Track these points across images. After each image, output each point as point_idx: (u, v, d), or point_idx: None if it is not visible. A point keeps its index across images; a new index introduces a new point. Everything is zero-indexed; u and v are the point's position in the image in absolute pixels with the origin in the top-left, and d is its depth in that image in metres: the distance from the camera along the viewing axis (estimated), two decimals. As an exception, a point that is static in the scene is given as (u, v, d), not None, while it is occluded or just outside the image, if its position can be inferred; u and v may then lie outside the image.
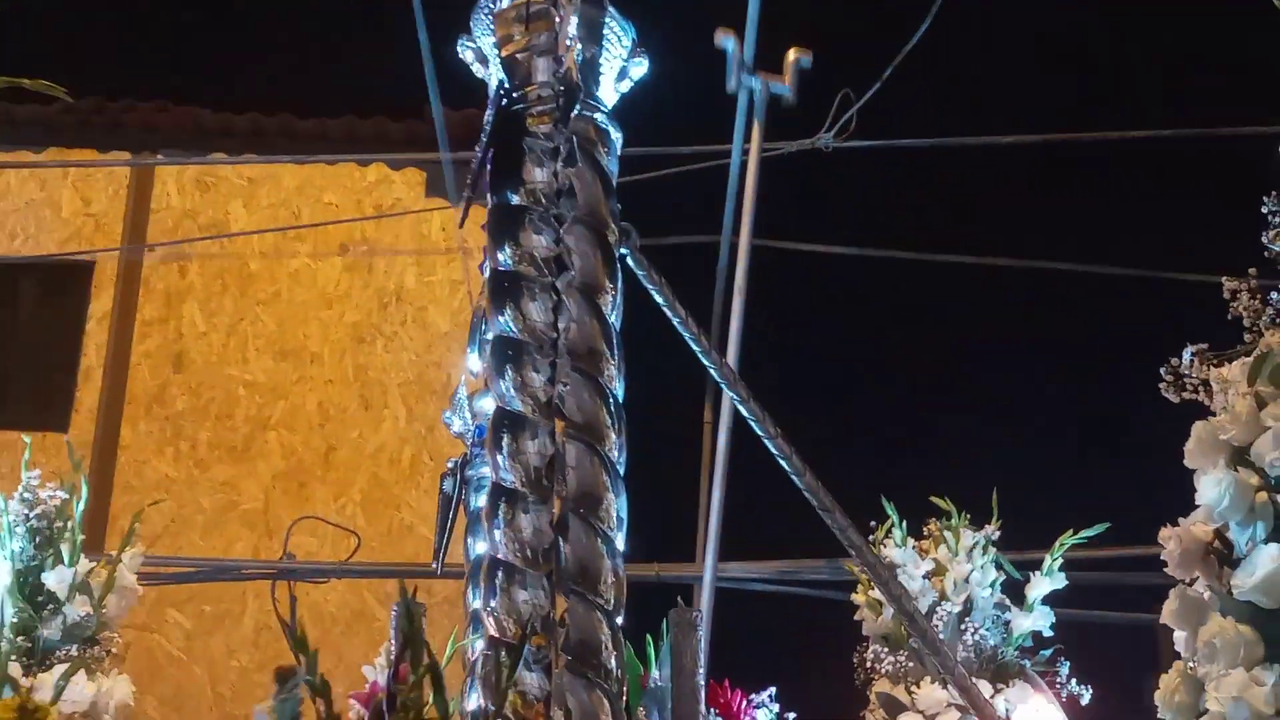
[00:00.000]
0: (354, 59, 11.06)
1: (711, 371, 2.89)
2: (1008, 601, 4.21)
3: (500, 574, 2.47)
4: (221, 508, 9.58)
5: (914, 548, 4.26)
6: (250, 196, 9.95)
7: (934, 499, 4.37)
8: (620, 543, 2.55)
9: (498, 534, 2.51)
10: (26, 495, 3.66)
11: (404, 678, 2.33)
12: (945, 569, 4.17)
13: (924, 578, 4.18)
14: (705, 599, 5.25)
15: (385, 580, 9.53)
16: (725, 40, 5.44)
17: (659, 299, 2.86)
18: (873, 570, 2.70)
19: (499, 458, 2.55)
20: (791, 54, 5.67)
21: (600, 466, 2.49)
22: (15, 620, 3.49)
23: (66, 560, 3.63)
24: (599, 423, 2.51)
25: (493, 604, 2.46)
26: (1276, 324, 2.48)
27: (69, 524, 3.69)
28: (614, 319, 2.61)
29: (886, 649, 4.18)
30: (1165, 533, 2.50)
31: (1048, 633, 4.18)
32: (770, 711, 3.26)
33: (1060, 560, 4.19)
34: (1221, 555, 2.44)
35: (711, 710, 3.06)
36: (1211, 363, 2.54)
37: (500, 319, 2.61)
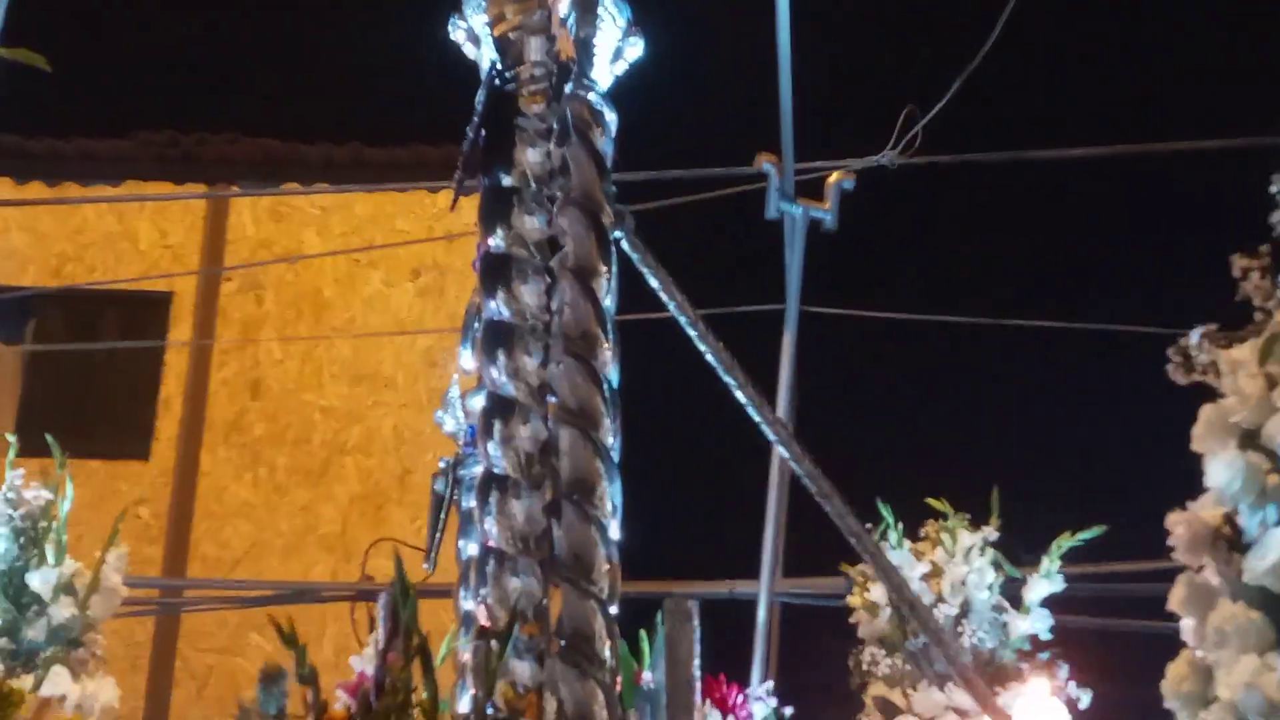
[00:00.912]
0: (421, 87, 11.18)
1: (708, 357, 2.90)
2: (1006, 604, 4.16)
3: (492, 562, 2.49)
4: (300, 531, 9.68)
5: (910, 550, 4.23)
6: (323, 225, 10.09)
7: (930, 500, 4.33)
8: (615, 530, 2.56)
9: (489, 521, 2.52)
10: (10, 495, 3.69)
11: (392, 665, 2.35)
12: (942, 571, 4.13)
13: (920, 580, 4.15)
14: (761, 614, 5.25)
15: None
16: (766, 166, 5.45)
17: (654, 283, 2.87)
18: (874, 559, 2.69)
19: (490, 444, 2.57)
20: (833, 177, 5.69)
21: (594, 452, 2.50)
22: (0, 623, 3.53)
23: (51, 561, 3.66)
24: (592, 407, 2.52)
25: (484, 592, 2.48)
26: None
27: (53, 525, 3.73)
28: (608, 302, 2.62)
29: (883, 651, 4.14)
30: (1174, 518, 2.46)
31: (1045, 635, 4.13)
32: (767, 705, 3.25)
33: (1059, 562, 4.15)
34: (1231, 540, 2.40)
35: (707, 702, 3.05)
36: (1220, 344, 2.50)
37: (492, 302, 2.63)
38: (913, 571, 4.14)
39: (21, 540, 3.63)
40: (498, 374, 2.56)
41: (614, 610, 2.51)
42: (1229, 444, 2.41)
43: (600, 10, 2.65)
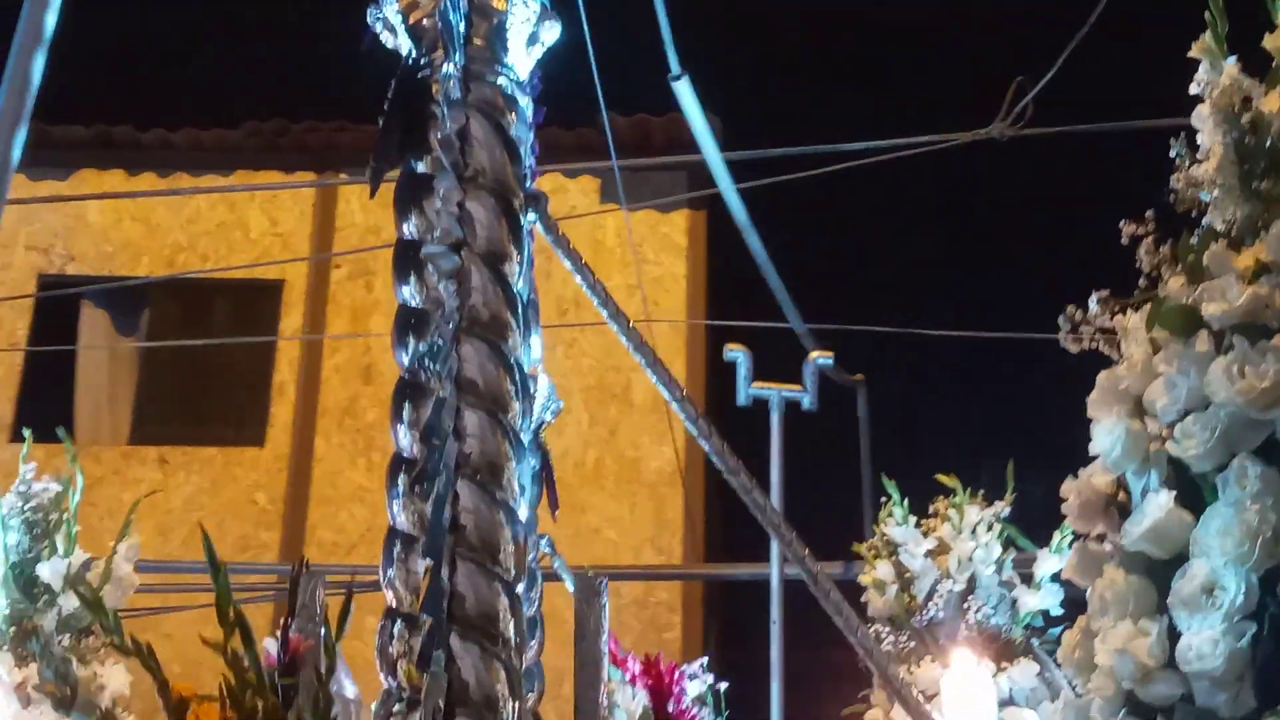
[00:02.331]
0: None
1: (628, 347, 2.84)
2: (1017, 579, 4.07)
3: (398, 544, 2.47)
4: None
5: (918, 525, 4.17)
6: (436, 210, 10.14)
7: (940, 476, 4.26)
8: (523, 512, 2.52)
9: (395, 504, 2.51)
10: (21, 488, 3.76)
11: (296, 649, 2.34)
12: (949, 547, 4.06)
13: (925, 556, 4.08)
14: (775, 598, 5.22)
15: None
16: (733, 354, 5.42)
17: (569, 264, 2.82)
18: (788, 547, 2.62)
19: (400, 428, 2.55)
20: (812, 355, 5.64)
21: (502, 435, 2.46)
22: (8, 611, 3.59)
23: (61, 552, 3.73)
24: (501, 391, 2.48)
25: (390, 574, 2.46)
26: (1176, 271, 2.35)
27: (64, 516, 3.79)
28: (520, 286, 2.58)
29: (889, 629, 4.09)
30: (1067, 485, 2.40)
31: (1056, 611, 4.01)
32: (703, 683, 3.19)
33: (1070, 537, 4.02)
34: (1123, 507, 2.32)
35: (632, 680, 3.00)
36: (1115, 311, 2.42)
37: (404, 289, 2.61)
38: (917, 548, 4.09)
39: (34, 532, 3.70)
40: (407, 359, 2.53)
41: (520, 589, 2.47)
42: (1120, 411, 2.33)
43: (511, -2, 2.60)
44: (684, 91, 8.01)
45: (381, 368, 9.89)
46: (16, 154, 2.20)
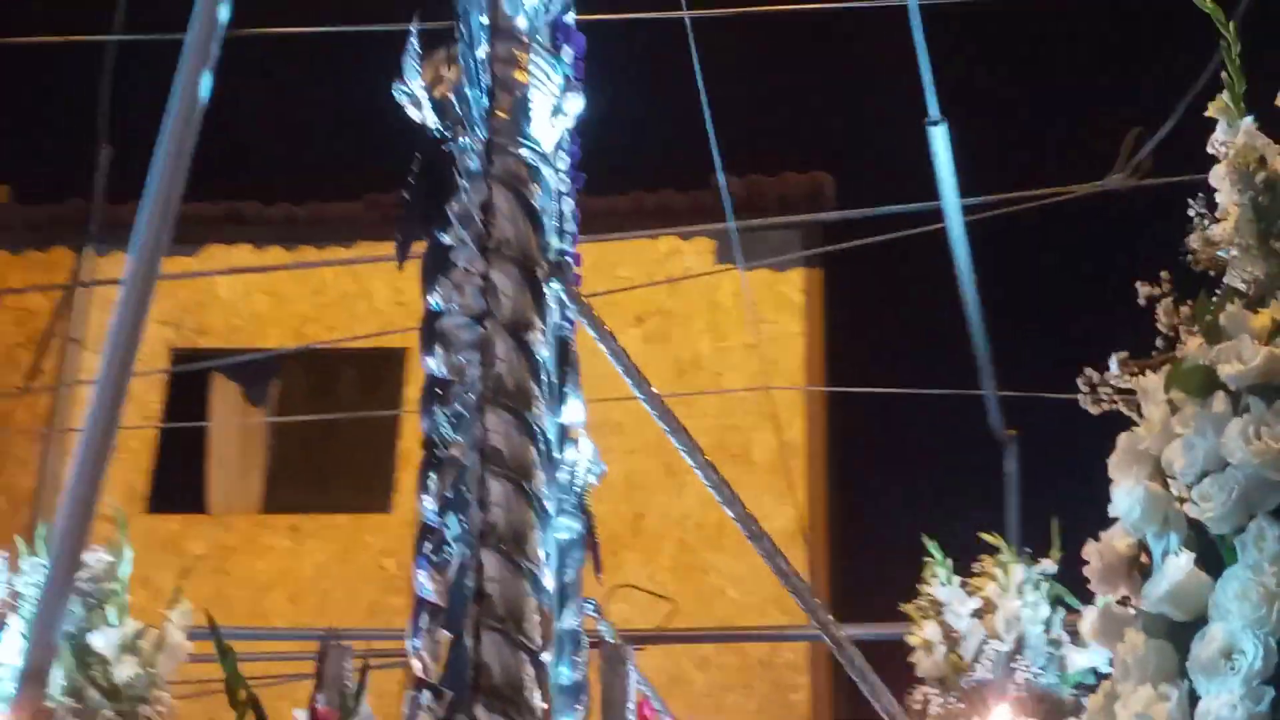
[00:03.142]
0: (634, 137, 11.31)
1: (642, 401, 2.87)
2: (1065, 638, 3.99)
3: (424, 614, 2.51)
4: (539, 580, 9.80)
5: (963, 585, 4.13)
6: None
7: (983, 534, 4.21)
8: (548, 580, 2.55)
9: (422, 574, 2.55)
10: None
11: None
12: (995, 606, 4.01)
13: (972, 615, 4.03)
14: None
15: (700, 645, 9.61)
16: None
17: (592, 331, 2.86)
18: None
19: (425, 498, 2.60)
20: None
21: (526, 503, 2.50)
22: (65, 684, 3.67)
23: (113, 621, 3.81)
24: (526, 459, 2.52)
25: (416, 643, 2.51)
26: (1193, 331, 2.33)
27: (116, 586, 3.87)
28: (543, 355, 2.62)
29: (935, 690, 4.04)
30: (1089, 547, 2.37)
31: (1106, 669, 3.92)
32: None
33: None
34: (1145, 569, 2.29)
35: None
36: (1134, 372, 2.39)
37: (429, 360, 2.66)
38: (963, 608, 4.05)
39: (87, 604, 3.78)
40: (433, 429, 2.59)
41: (547, 658, 2.50)
42: (1140, 472, 2.31)
43: (533, 69, 2.66)
44: (939, 137, 7.99)
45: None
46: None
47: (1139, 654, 2.25)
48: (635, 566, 9.92)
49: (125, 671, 3.67)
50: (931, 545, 4.25)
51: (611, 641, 2.77)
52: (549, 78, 2.67)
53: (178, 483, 9.58)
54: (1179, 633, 2.25)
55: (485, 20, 2.60)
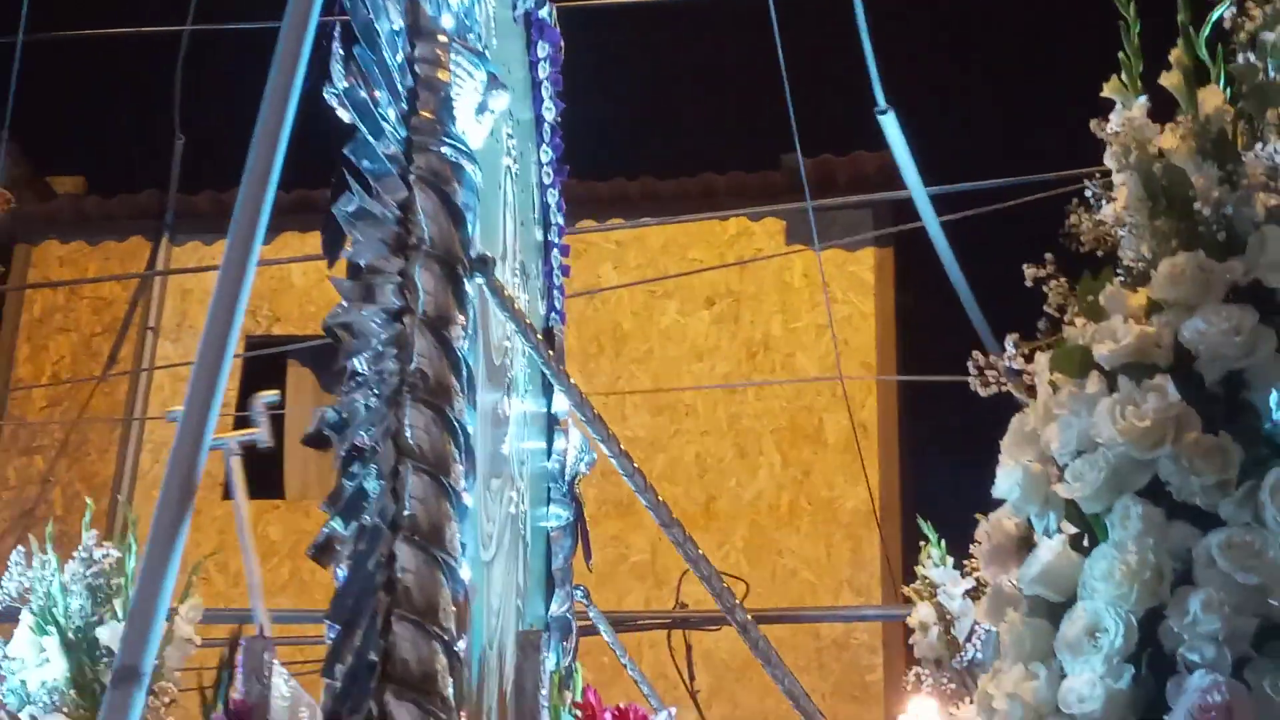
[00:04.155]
0: (706, 118, 11.36)
1: (569, 399, 2.93)
2: None
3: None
4: (612, 561, 9.91)
5: (959, 566, 4.14)
6: (619, 259, 10.35)
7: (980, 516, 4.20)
8: (465, 572, 2.61)
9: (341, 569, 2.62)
10: (83, 554, 3.96)
11: (241, 712, 2.47)
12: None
13: (964, 596, 4.05)
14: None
15: (774, 625, 9.66)
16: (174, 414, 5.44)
17: (513, 325, 2.92)
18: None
19: (347, 487, 2.67)
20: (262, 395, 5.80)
21: (444, 497, 2.56)
22: (70, 674, 3.77)
23: (120, 615, 3.91)
24: (444, 454, 2.58)
25: (332, 634, 2.57)
26: (1077, 312, 2.34)
27: (124, 581, 3.97)
28: (465, 350, 2.69)
29: (930, 671, 4.06)
30: (980, 528, 2.40)
31: None
32: None
33: None
34: (1034, 549, 2.32)
35: None
36: (1025, 354, 2.41)
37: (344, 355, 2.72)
38: (956, 588, 4.07)
39: (96, 598, 3.90)
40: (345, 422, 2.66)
41: (460, 648, 2.57)
42: (1027, 454, 2.33)
43: (454, 68, 2.72)
44: (890, 125, 8.04)
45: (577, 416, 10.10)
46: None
47: (1016, 633, 2.28)
48: (708, 549, 9.80)
49: (133, 664, 3.76)
50: (925, 526, 4.27)
51: (529, 630, 2.83)
52: (471, 75, 2.73)
53: (255, 469, 9.78)
54: (1056, 613, 2.28)
55: (400, 22, 2.67)
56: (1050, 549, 2.25)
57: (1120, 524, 2.20)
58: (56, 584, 3.81)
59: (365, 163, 2.65)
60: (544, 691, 2.68)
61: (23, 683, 3.72)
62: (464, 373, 2.63)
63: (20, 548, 4.02)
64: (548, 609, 3.85)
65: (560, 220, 4.11)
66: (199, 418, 2.20)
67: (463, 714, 2.51)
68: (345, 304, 2.49)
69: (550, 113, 3.90)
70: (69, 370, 9.50)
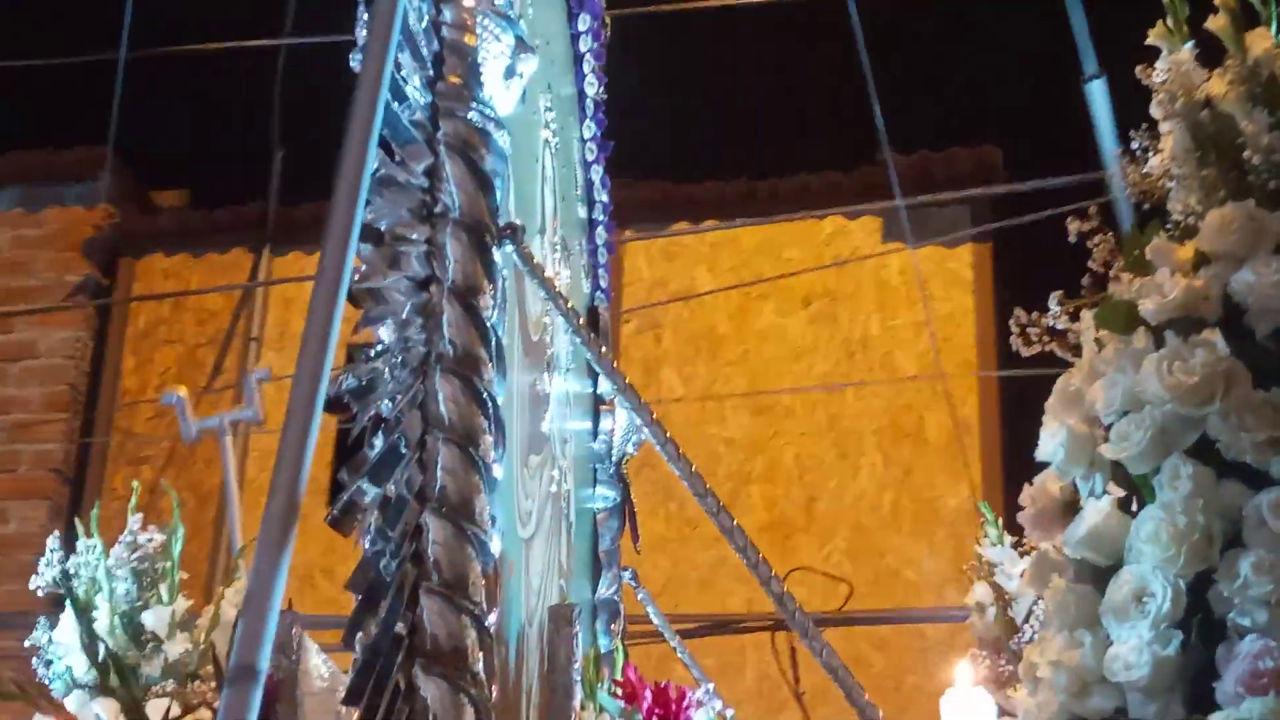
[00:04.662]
0: (800, 117, 11.25)
1: (599, 370, 2.85)
2: None
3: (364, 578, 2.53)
4: (713, 563, 9.83)
5: (1016, 546, 4.00)
6: (714, 261, 10.28)
7: None
8: (496, 545, 2.55)
9: (379, 541, 2.56)
10: (128, 539, 3.95)
11: (269, 687, 2.42)
12: None
13: (1022, 577, 3.91)
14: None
15: (878, 626, 9.52)
16: (171, 398, 5.55)
17: (545, 295, 2.84)
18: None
19: (370, 462, 2.62)
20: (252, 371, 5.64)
21: (472, 469, 2.51)
22: (116, 659, 3.75)
23: (165, 600, 3.89)
24: (473, 425, 2.53)
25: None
26: (1128, 266, 2.23)
27: (169, 565, 3.96)
28: (493, 319, 2.63)
29: (986, 653, 3.93)
30: (1024, 493, 2.29)
31: None
32: (710, 710, 3.09)
33: None
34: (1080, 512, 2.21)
35: (647, 715, 2.94)
36: (1069, 312, 2.31)
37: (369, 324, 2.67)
38: (1014, 569, 3.94)
39: (142, 581, 3.89)
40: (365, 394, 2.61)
41: (490, 622, 2.50)
42: (1074, 414, 2.22)
43: (481, 32, 2.66)
44: (1097, 92, 7.86)
45: (674, 418, 10.01)
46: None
47: (1060, 599, 2.18)
48: (810, 550, 9.87)
49: (177, 648, 3.77)
50: (984, 507, 4.16)
51: (561, 604, 2.76)
52: (498, 39, 2.67)
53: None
54: (1102, 578, 2.18)
55: (425, -12, 2.61)
56: (1097, 511, 2.15)
57: (1168, 485, 2.10)
58: (102, 569, 3.80)
59: (389, 130, 2.59)
60: (577, 666, 2.61)
61: (69, 667, 3.71)
62: (492, 343, 2.57)
63: (57, 532, 4.02)
64: (594, 591, 3.78)
65: (605, 198, 4.06)
66: (302, 424, 2.14)
67: (494, 688, 2.45)
68: (365, 269, 2.44)
69: (593, 88, 3.84)
70: (174, 381, 9.59)
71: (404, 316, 2.54)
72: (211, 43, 9.12)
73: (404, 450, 2.49)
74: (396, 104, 2.60)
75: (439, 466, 2.52)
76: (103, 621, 3.74)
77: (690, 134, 11.30)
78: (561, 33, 3.74)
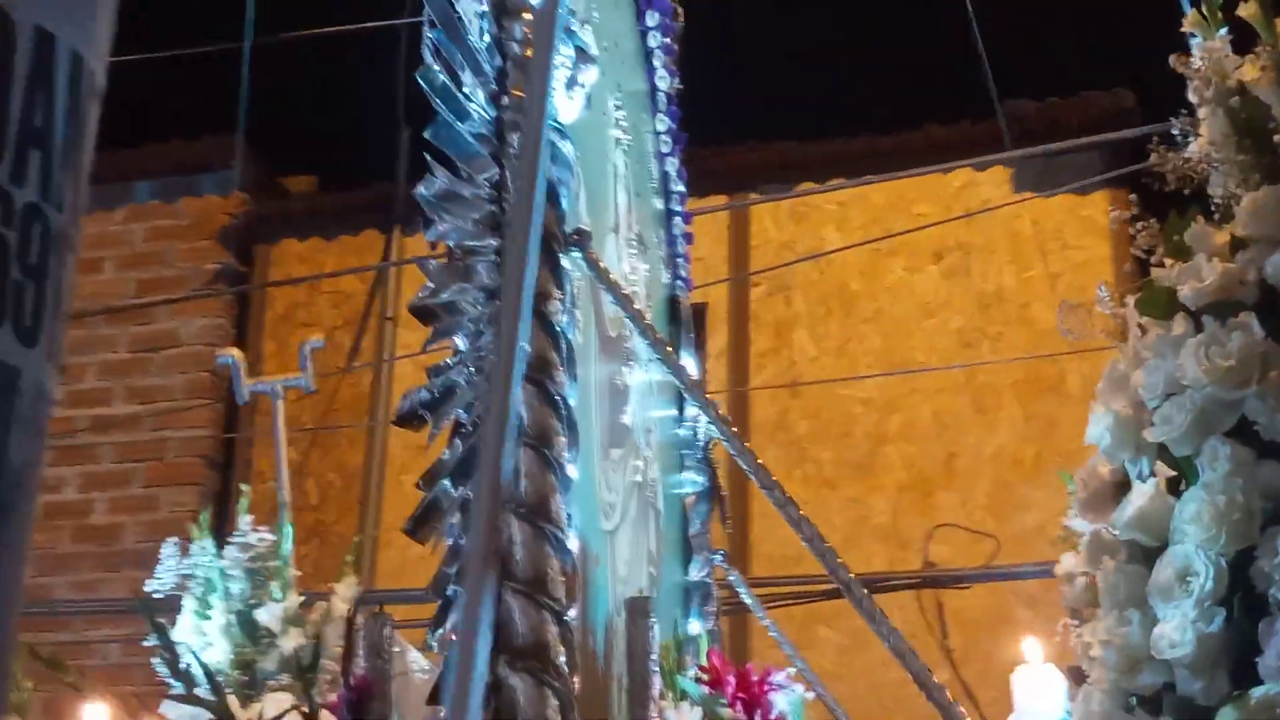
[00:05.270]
0: (926, 68, 11.16)
1: (673, 376, 2.92)
2: None
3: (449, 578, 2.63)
4: (853, 524, 9.84)
5: None
6: (842, 220, 10.26)
7: None
8: (573, 543, 2.64)
9: (459, 543, 2.66)
10: (239, 539, 4.07)
11: (363, 687, 2.53)
12: None
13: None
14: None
15: (1026, 581, 9.48)
16: (225, 358, 5.54)
17: (612, 300, 2.92)
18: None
19: (449, 464, 2.72)
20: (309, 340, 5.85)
21: (547, 469, 2.61)
22: (234, 656, 3.88)
23: (278, 596, 4.01)
24: (547, 427, 2.62)
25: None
26: (1168, 253, 2.26)
27: (278, 563, 4.07)
28: (563, 324, 2.72)
29: (1077, 622, 3.90)
30: (1078, 475, 2.33)
31: None
32: (790, 692, 3.13)
33: None
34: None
35: (732, 701, 3.00)
36: (1118, 298, 2.34)
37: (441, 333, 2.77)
38: None
39: (256, 580, 4.02)
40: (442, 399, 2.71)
41: (571, 617, 2.60)
42: (1122, 398, 2.26)
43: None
44: None
45: (808, 379, 10.05)
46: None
47: (1110, 580, 2.23)
48: (952, 507, 9.85)
49: (291, 643, 3.90)
50: (1065, 476, 4.14)
51: (635, 597, 2.85)
52: (559, 52, 2.76)
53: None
54: (1152, 559, 2.22)
55: (485, 5, 2.70)
56: (1143, 493, 2.19)
57: (1208, 466, 2.13)
58: (215, 569, 3.95)
59: (452, 146, 2.69)
60: (654, 656, 2.70)
61: (188, 666, 3.87)
62: (563, 346, 2.67)
63: (174, 539, 4.17)
64: (686, 575, 3.87)
65: (681, 188, 4.12)
66: (500, 418, 2.17)
67: (576, 680, 2.56)
68: (433, 285, 2.54)
69: (664, 82, 3.90)
70: (314, 364, 9.81)
71: (477, 327, 2.64)
72: (333, 26, 9.28)
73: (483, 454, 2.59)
74: (459, 121, 2.69)
75: (514, 469, 2.62)
76: (218, 619, 3.89)
77: (812, 94, 11.28)
78: (630, 31, 3.81)
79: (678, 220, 4.16)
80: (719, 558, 3.97)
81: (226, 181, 9.64)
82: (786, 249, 10.26)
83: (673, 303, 4.10)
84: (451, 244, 2.63)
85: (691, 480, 4.00)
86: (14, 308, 1.02)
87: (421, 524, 2.49)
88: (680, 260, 4.14)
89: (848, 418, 10.00)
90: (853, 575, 2.69)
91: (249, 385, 5.67)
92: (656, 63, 3.97)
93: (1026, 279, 10.03)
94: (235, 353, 5.68)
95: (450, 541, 2.53)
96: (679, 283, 4.15)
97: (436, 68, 2.67)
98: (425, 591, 2.54)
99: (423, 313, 2.54)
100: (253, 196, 9.84)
